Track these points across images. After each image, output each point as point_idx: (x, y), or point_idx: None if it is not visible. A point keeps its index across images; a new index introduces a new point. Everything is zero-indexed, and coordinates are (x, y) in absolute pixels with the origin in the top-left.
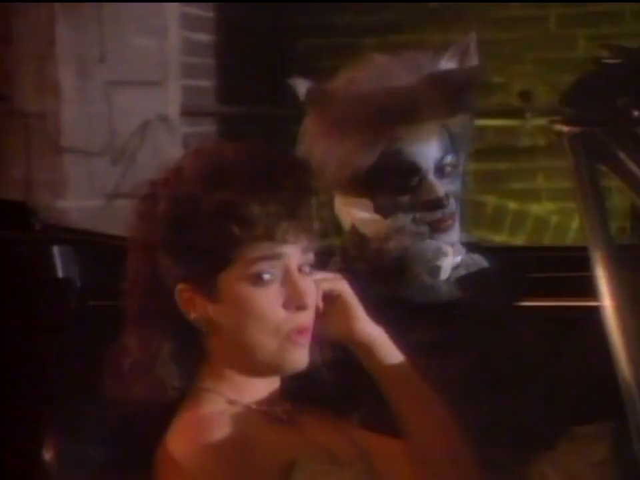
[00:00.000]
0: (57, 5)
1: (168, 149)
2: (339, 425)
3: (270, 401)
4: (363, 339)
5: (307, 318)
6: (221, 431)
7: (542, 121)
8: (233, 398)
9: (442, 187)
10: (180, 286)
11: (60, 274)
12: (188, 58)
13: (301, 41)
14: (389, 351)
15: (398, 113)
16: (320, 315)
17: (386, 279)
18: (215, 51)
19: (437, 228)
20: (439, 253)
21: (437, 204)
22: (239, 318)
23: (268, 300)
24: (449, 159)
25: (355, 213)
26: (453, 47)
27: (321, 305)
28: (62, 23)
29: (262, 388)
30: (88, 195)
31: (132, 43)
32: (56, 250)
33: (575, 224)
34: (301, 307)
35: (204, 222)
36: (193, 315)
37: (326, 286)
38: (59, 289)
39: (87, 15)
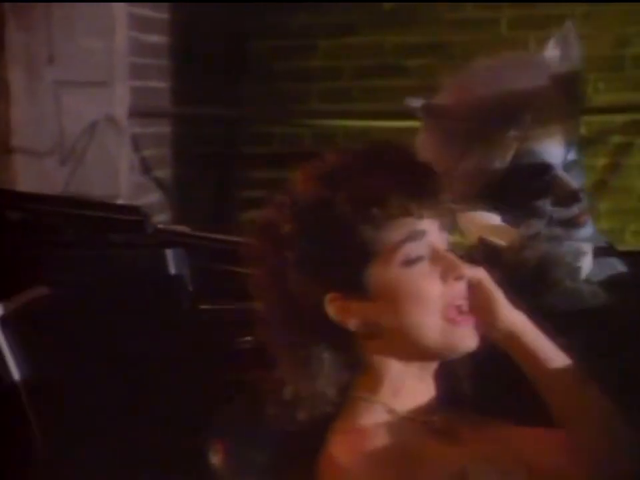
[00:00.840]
0: (6, 5)
1: (116, 150)
2: (492, 427)
3: (427, 410)
4: (507, 325)
5: (463, 290)
6: (384, 441)
7: None
8: (392, 407)
9: (574, 181)
10: (329, 296)
11: (172, 277)
12: (139, 59)
13: (256, 42)
14: (535, 337)
15: (520, 112)
16: None
17: (524, 289)
18: (170, 52)
19: (575, 223)
20: (579, 254)
21: (574, 198)
22: (398, 305)
23: (423, 276)
24: (571, 153)
25: (483, 224)
26: (554, 38)
27: None
28: (11, 24)
29: (420, 396)
30: None
31: (80, 43)
32: (168, 253)
33: None
34: (458, 277)
35: (337, 218)
36: (351, 322)
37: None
38: (171, 292)
39: (37, 16)
